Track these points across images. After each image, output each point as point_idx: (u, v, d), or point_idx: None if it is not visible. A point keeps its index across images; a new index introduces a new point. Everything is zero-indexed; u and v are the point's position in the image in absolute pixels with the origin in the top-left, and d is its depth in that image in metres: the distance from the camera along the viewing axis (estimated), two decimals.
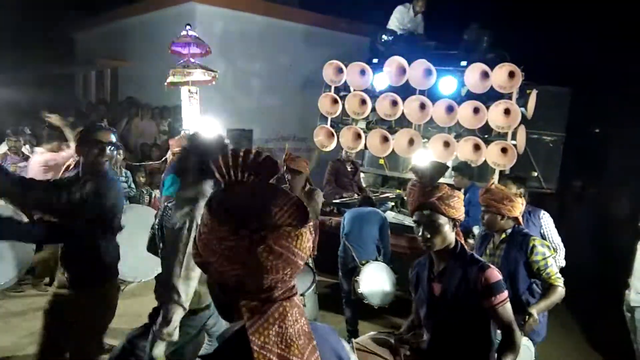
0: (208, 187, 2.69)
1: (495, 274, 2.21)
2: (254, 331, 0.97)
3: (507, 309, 2.21)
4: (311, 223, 1.06)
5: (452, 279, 2.28)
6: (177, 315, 2.42)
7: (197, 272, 2.45)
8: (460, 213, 2.28)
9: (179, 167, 2.77)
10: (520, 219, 3.12)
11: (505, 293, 2.21)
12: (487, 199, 3.09)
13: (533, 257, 2.99)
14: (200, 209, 2.54)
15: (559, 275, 2.98)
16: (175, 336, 2.42)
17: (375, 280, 4.66)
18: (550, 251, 3.04)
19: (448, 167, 4.88)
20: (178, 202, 2.71)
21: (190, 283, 2.45)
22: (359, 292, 4.58)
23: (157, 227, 3.32)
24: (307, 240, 1.04)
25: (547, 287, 2.99)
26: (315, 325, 1.14)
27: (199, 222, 2.55)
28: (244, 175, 1.06)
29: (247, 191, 1.05)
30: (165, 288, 2.53)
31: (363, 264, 4.69)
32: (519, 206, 3.03)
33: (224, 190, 1.07)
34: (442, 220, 2.24)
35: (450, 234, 2.28)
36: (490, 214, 3.10)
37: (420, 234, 2.30)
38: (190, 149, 2.77)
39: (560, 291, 2.96)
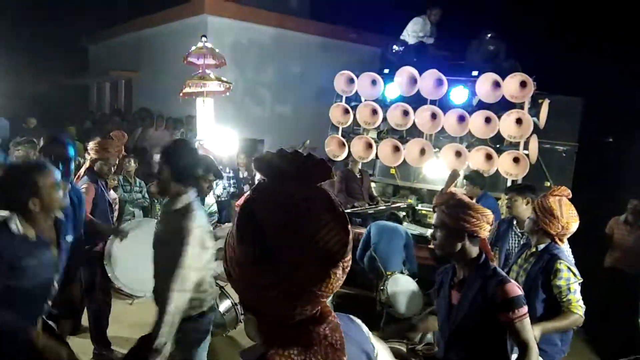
0: (193, 195, 2.67)
1: (515, 289, 2.19)
2: (274, 354, 0.91)
3: (525, 325, 2.17)
4: (349, 257, 0.94)
5: (470, 289, 2.28)
6: (167, 327, 2.41)
7: (190, 283, 2.47)
8: (472, 226, 2.22)
9: (158, 174, 2.75)
10: (558, 240, 2.90)
11: (525, 309, 2.18)
12: (537, 202, 2.99)
13: (556, 281, 2.77)
14: (194, 219, 2.53)
15: (582, 303, 2.77)
16: (167, 349, 2.42)
17: (402, 291, 4.76)
18: (577, 277, 2.78)
19: (458, 175, 4.98)
20: (166, 215, 2.70)
21: (185, 295, 2.46)
22: (384, 300, 4.64)
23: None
24: (337, 279, 0.92)
25: (563, 312, 2.77)
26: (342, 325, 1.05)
27: (196, 234, 2.47)
28: (288, 177, 0.93)
29: (284, 202, 0.91)
30: (159, 299, 2.54)
31: (389, 275, 4.82)
32: (558, 227, 2.84)
33: (258, 200, 0.94)
34: (445, 227, 2.26)
35: (454, 244, 2.25)
36: (530, 218, 3.01)
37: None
38: (164, 155, 2.74)
39: (576, 318, 2.75)
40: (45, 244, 2.36)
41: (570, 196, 2.93)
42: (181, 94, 4.76)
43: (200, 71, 4.59)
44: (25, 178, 2.31)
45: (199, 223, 2.54)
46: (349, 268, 0.94)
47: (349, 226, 0.94)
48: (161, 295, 2.51)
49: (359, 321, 1.20)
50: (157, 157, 2.81)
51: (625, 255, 5.48)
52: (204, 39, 4.59)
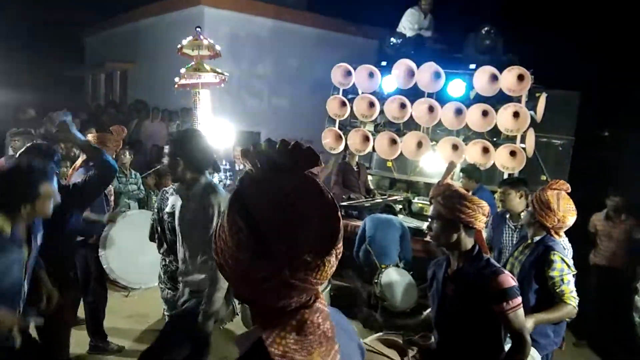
0: (209, 176, 2.81)
1: (509, 280, 2.19)
2: (272, 342, 0.92)
3: (518, 316, 2.18)
4: (341, 244, 0.95)
5: (465, 280, 2.28)
6: (221, 294, 2.62)
7: None
8: (467, 217, 2.23)
9: (170, 166, 2.79)
10: (554, 233, 2.89)
11: (518, 299, 2.18)
12: (535, 195, 2.98)
13: (549, 272, 2.77)
14: (220, 194, 2.70)
15: (575, 294, 2.77)
16: (222, 312, 2.72)
17: (396, 284, 4.77)
18: (571, 269, 2.78)
19: (455, 166, 5.02)
20: (190, 199, 2.76)
21: None
22: (378, 293, 4.64)
23: (155, 212, 3.37)
24: (331, 267, 0.93)
25: (557, 303, 2.77)
26: (332, 316, 1.06)
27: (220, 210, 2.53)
28: (277, 166, 0.93)
29: (274, 192, 0.91)
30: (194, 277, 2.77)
31: (384, 268, 4.82)
32: (555, 220, 2.83)
33: (247, 192, 0.94)
34: (441, 218, 2.29)
35: (450, 235, 2.27)
36: (528, 211, 3.02)
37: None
38: (176, 146, 2.77)
39: (569, 309, 2.75)
40: (18, 242, 2.30)
41: (569, 190, 2.92)
42: (176, 86, 4.73)
43: (193, 62, 4.55)
44: (29, 183, 2.27)
45: (225, 196, 2.69)
46: (340, 255, 0.95)
47: (339, 213, 0.95)
48: (197, 271, 2.75)
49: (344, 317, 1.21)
50: (166, 149, 2.83)
51: (610, 251, 5.34)
52: (198, 29, 4.55)
